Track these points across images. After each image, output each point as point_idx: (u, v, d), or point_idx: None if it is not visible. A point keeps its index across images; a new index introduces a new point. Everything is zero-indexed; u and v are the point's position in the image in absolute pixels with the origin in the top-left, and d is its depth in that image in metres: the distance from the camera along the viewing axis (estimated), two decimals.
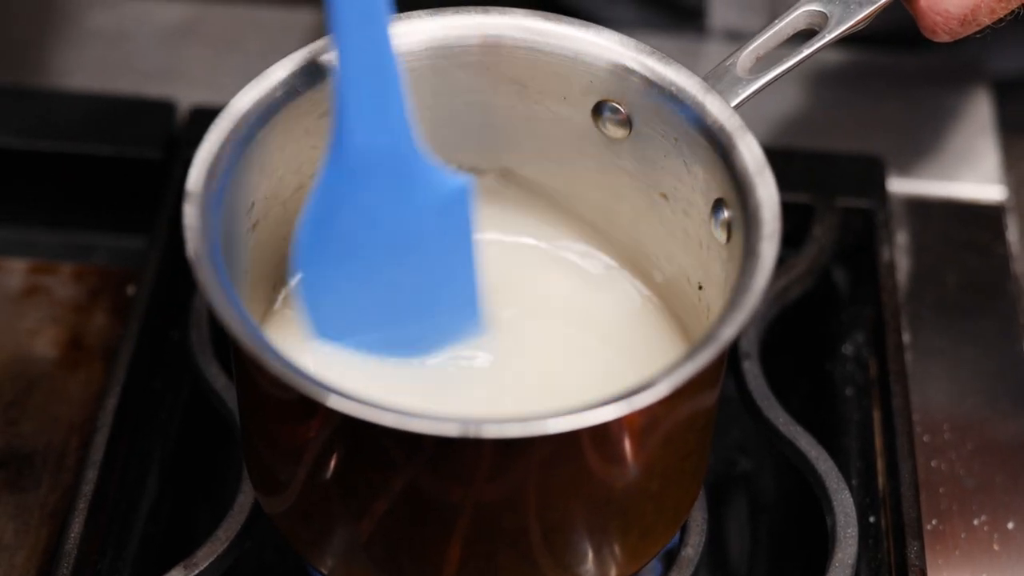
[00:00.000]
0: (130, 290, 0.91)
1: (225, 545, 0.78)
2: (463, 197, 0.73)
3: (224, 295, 0.67)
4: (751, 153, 0.72)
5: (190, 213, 0.69)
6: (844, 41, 1.00)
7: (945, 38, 0.76)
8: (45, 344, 0.89)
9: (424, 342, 0.75)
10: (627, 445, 0.69)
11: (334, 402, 0.64)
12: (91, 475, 0.81)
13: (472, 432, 0.64)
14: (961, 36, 0.76)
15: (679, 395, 0.66)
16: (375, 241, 0.73)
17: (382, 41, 0.69)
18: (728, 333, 0.67)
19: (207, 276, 0.68)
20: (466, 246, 0.74)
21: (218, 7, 1.05)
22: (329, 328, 0.74)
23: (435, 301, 0.75)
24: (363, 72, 0.69)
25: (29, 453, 0.85)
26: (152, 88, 1.00)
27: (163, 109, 0.97)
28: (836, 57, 1.02)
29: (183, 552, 0.79)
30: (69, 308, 0.91)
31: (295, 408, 0.69)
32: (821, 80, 1.01)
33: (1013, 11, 0.76)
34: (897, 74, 1.02)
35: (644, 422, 0.68)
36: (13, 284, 0.92)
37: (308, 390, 0.65)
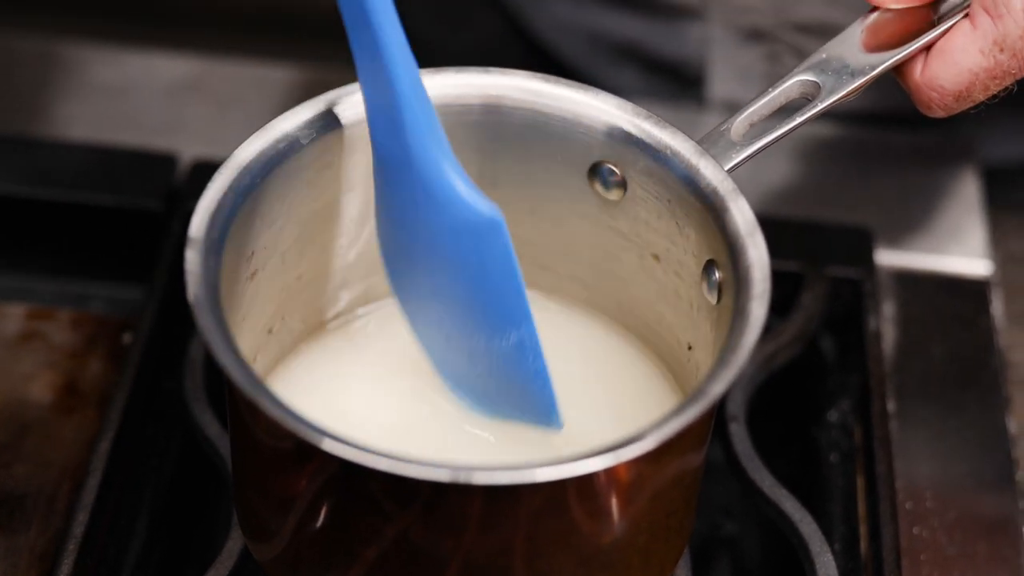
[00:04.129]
0: (126, 338, 0.92)
1: None
2: (494, 230, 0.72)
3: (223, 338, 0.68)
4: (743, 216, 0.73)
5: (191, 259, 0.70)
6: (838, 117, 1.02)
7: (940, 113, 0.77)
8: (40, 389, 0.90)
9: (492, 402, 0.76)
10: (614, 497, 0.69)
11: (328, 446, 0.65)
12: (82, 518, 0.81)
13: (463, 479, 0.65)
14: (956, 111, 0.77)
15: (666, 449, 0.67)
16: (421, 255, 0.74)
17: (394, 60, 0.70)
18: (717, 389, 0.68)
19: (206, 320, 0.68)
20: (511, 289, 0.73)
21: (221, 64, 1.06)
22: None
23: (493, 350, 0.74)
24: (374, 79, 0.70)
25: (21, 496, 0.85)
26: (154, 142, 1.00)
27: (164, 162, 0.98)
28: (830, 132, 1.04)
29: None
30: (65, 354, 0.92)
31: (289, 452, 0.69)
32: (814, 154, 1.03)
33: (1007, 88, 0.77)
34: (889, 151, 1.03)
35: (631, 475, 0.69)
36: (10, 329, 0.93)
37: (303, 433, 0.66)
